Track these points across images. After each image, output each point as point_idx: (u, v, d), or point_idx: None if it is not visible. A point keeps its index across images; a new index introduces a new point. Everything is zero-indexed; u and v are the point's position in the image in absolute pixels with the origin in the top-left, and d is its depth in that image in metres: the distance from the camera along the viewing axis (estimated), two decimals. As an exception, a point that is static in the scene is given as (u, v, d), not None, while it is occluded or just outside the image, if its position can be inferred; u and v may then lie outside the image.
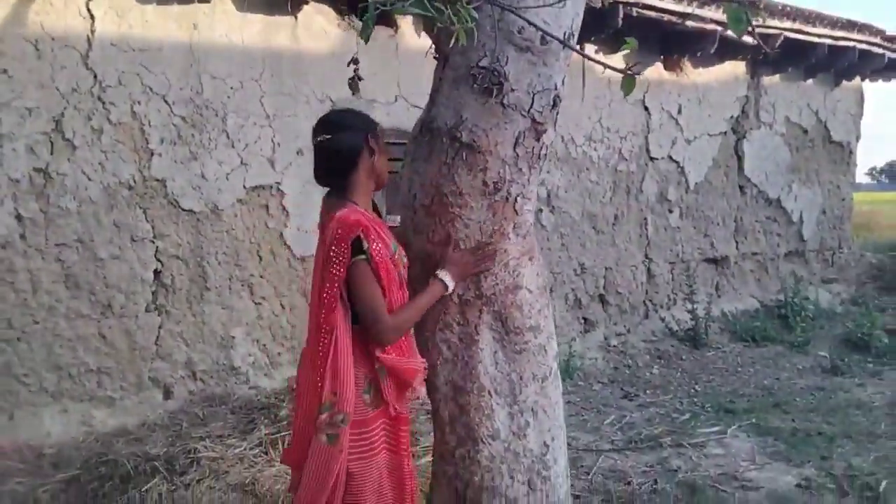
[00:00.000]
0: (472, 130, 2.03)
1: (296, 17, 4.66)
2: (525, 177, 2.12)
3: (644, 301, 6.70)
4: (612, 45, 6.19)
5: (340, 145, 2.04)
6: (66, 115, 3.94)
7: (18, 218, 3.84)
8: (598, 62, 2.00)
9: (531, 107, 2.02)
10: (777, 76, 7.62)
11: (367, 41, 1.70)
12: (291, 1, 4.47)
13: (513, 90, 1.99)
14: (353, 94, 2.17)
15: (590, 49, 6.10)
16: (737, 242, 7.47)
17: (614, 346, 6.28)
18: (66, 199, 3.96)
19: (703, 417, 4.80)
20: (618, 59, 6.30)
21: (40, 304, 3.92)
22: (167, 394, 4.36)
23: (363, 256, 1.97)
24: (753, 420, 4.70)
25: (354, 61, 2.16)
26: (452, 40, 1.71)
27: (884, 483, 3.68)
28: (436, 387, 2.31)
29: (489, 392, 2.24)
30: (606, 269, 6.40)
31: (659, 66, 6.69)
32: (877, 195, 46.15)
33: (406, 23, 5.18)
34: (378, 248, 1.99)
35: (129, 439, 3.85)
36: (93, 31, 4.02)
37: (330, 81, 4.82)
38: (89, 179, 4.03)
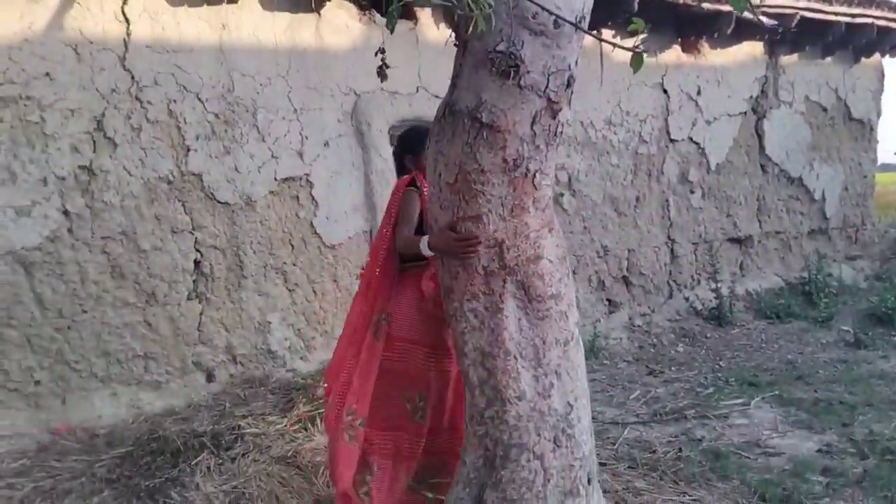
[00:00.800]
0: (491, 111, 2.18)
1: (319, 14, 4.83)
2: (542, 153, 2.26)
3: (668, 281, 6.80)
4: (625, 29, 6.27)
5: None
6: (106, 114, 4.15)
7: (65, 213, 4.06)
8: (609, 42, 2.13)
9: (546, 87, 2.17)
10: (795, 55, 7.64)
11: (392, 31, 1.87)
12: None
13: (529, 72, 2.14)
14: (382, 81, 2.33)
15: (607, 34, 6.20)
16: (760, 221, 7.53)
17: (639, 325, 6.40)
18: (110, 194, 4.18)
19: (727, 391, 4.91)
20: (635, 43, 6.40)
21: (88, 294, 4.15)
22: (210, 377, 4.58)
23: (415, 189, 2.85)
24: (777, 392, 4.81)
25: (381, 51, 2.32)
26: (471, 27, 1.86)
27: (904, 447, 3.78)
28: (465, 353, 2.48)
29: (515, 356, 2.40)
30: (629, 250, 6.51)
31: (677, 48, 6.77)
32: (907, 174, 45.40)
33: (426, 15, 5.33)
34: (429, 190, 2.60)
35: (176, 419, 4.07)
36: (128, 34, 4.23)
37: (353, 75, 4.99)
38: (130, 175, 4.24)
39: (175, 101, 4.37)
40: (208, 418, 4.10)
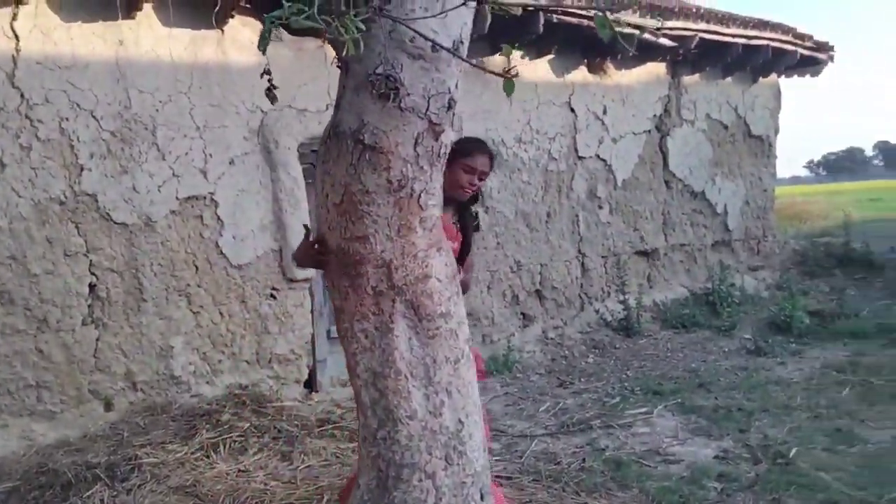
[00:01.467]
0: (373, 133, 2.19)
1: (222, 31, 4.76)
2: (427, 174, 2.29)
3: (579, 294, 6.96)
4: (535, 50, 6.45)
5: None
6: (-8, 133, 3.97)
7: (-53, 237, 3.86)
8: (481, 68, 2.18)
9: (427, 109, 2.19)
10: (696, 75, 8.00)
11: (264, 52, 1.86)
12: (217, 15, 4.57)
13: (409, 94, 2.16)
14: (272, 103, 2.31)
15: (515, 55, 6.33)
16: (665, 235, 7.81)
17: (551, 338, 6.52)
18: (-4, 217, 3.99)
19: (632, 400, 5.05)
20: (543, 64, 6.58)
21: (-27, 321, 3.94)
22: (108, 405, 4.40)
23: None
24: (679, 400, 4.98)
25: (267, 72, 2.30)
26: (350, 49, 1.87)
27: (794, 450, 3.97)
28: (356, 374, 2.46)
29: (406, 375, 2.40)
30: (542, 265, 6.63)
31: (583, 69, 6.98)
32: (816, 187, 48.05)
33: (333, 33, 5.32)
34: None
35: (69, 450, 3.90)
36: (18, 51, 4.07)
37: (259, 92, 4.91)
38: (19, 196, 4.06)
39: (68, 119, 4.21)
40: (104, 449, 3.95)
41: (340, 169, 2.29)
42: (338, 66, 2.30)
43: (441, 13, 2.03)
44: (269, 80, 2.28)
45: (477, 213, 3.22)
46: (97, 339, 4.35)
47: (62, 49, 4.21)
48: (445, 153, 2.33)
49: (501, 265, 6.32)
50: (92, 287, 4.33)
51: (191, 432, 4.12)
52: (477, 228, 3.22)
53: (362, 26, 1.81)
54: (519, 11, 5.64)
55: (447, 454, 2.41)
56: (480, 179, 2.90)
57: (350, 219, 2.32)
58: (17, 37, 4.07)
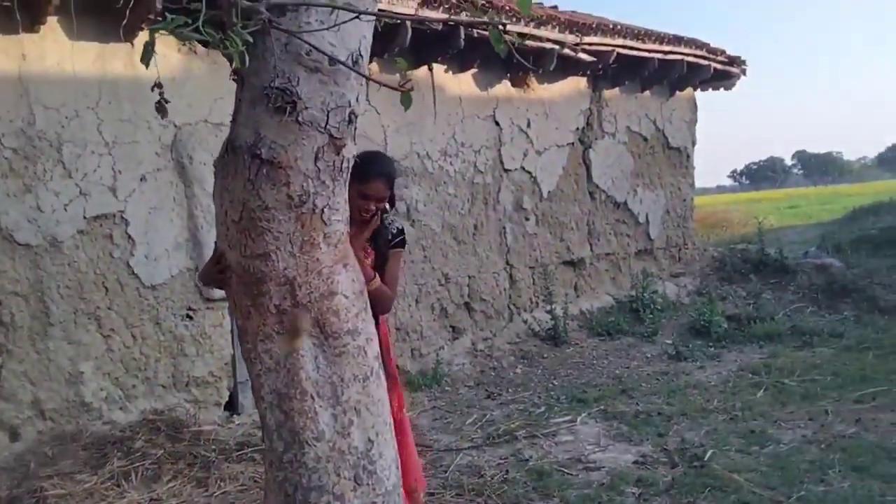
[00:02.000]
0: (271, 147, 2.15)
1: (132, 44, 4.62)
2: (329, 189, 2.25)
3: (508, 305, 7.01)
4: (459, 64, 6.50)
5: None
6: None
7: None
8: (376, 81, 2.17)
9: (327, 123, 2.16)
10: (616, 89, 8.19)
11: (147, 66, 1.80)
12: (125, 28, 4.43)
13: (307, 108, 2.12)
14: (162, 117, 2.23)
15: (438, 68, 6.37)
16: (591, 245, 7.95)
17: (481, 350, 6.53)
18: None
19: (557, 409, 5.10)
20: (466, 79, 6.63)
21: None
22: (14, 435, 4.18)
23: None
24: (602, 407, 5.05)
25: (158, 85, 2.23)
26: (236, 62, 1.83)
27: (709, 453, 4.07)
28: (261, 396, 2.39)
29: (312, 396, 2.35)
30: (470, 277, 6.65)
31: (507, 83, 7.06)
32: (738, 196, 49.94)
33: (250, 47, 5.23)
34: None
35: (-33, 486, 3.68)
36: None
37: (172, 107, 4.75)
38: None
39: (-36, 136, 4.01)
40: (6, 482, 3.74)
41: (238, 185, 2.23)
42: (233, 80, 2.25)
43: (334, 26, 2.01)
44: (161, 94, 2.20)
45: (401, 228, 3.13)
46: (1, 367, 4.13)
47: (-43, 63, 4.01)
48: (348, 167, 2.30)
49: (429, 278, 6.31)
50: (-7, 312, 4.11)
51: (101, 461, 3.95)
52: (402, 244, 3.16)
53: (249, 38, 1.77)
54: (439, 26, 5.69)
55: (356, 474, 2.36)
56: (378, 202, 2.86)
57: (250, 236, 2.26)
58: None
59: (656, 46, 7.87)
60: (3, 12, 4.01)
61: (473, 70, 6.59)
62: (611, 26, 7.27)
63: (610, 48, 7.24)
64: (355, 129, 2.28)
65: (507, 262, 7.01)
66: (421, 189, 6.24)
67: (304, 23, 2.08)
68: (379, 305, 2.99)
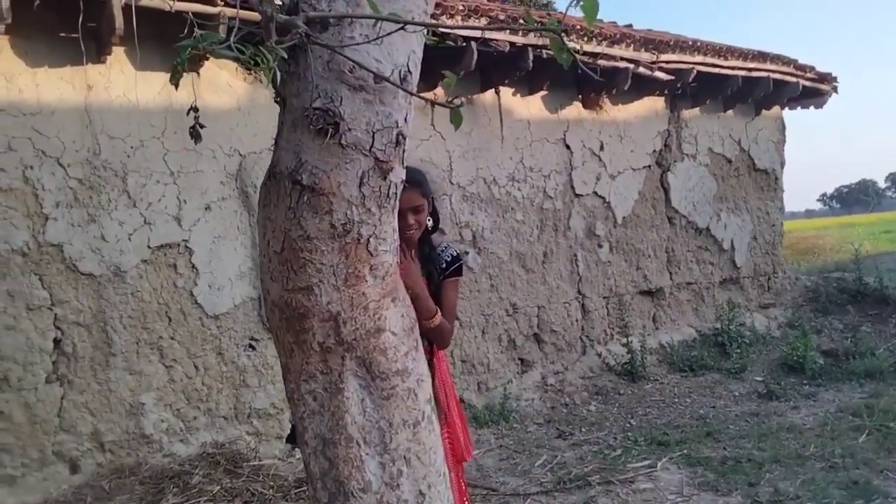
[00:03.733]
0: (312, 173, 1.98)
1: (198, 73, 4.62)
2: (375, 217, 2.06)
3: (580, 337, 6.68)
4: (527, 87, 6.29)
5: None
6: (-50, 183, 3.81)
7: None
8: (425, 99, 1.97)
9: (372, 146, 1.98)
10: (697, 109, 7.81)
11: (177, 87, 1.66)
12: (192, 57, 4.41)
13: (350, 130, 1.94)
14: (196, 143, 2.09)
15: (506, 91, 6.18)
16: (670, 273, 7.53)
17: (552, 385, 6.21)
18: (-47, 270, 3.80)
19: (634, 452, 4.73)
20: (535, 101, 6.41)
21: (-74, 382, 3.72)
22: (74, 468, 4.15)
23: None
24: (685, 451, 4.66)
25: (194, 109, 2.10)
26: (272, 81, 1.68)
27: (807, 506, 3.64)
28: (305, 441, 2.21)
29: (357, 442, 2.14)
30: (539, 307, 6.37)
31: (578, 104, 6.80)
32: (828, 220, 47.57)
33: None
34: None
35: (23, 520, 3.64)
36: (-21, 97, 3.93)
37: (237, 135, 4.77)
38: (-22, 248, 3.88)
39: (32, 166, 4.05)
40: (64, 517, 3.68)
41: (280, 213, 2.07)
42: (276, 102, 2.10)
43: (377, 38, 1.83)
44: (196, 118, 2.07)
45: (457, 255, 2.94)
46: (62, 398, 4.11)
47: (27, 95, 4.07)
48: (396, 193, 2.11)
49: (496, 308, 6.06)
50: (57, 342, 4.11)
51: (157, 497, 3.86)
52: (459, 272, 2.95)
53: (283, 54, 1.61)
54: (506, 48, 5.50)
55: (406, 532, 2.14)
56: (417, 214, 2.66)
57: (292, 268, 2.09)
58: (-22, 83, 3.94)
59: (739, 63, 7.46)
60: (70, 43, 4.05)
61: (543, 92, 6.37)
62: (689, 43, 6.93)
63: (689, 66, 6.89)
64: (404, 151, 2.09)
65: (580, 292, 6.68)
66: (487, 216, 6.03)
67: (348, 38, 1.91)
68: (439, 341, 2.79)
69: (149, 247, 4.41)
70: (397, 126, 2.02)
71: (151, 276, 4.42)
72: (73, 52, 4.13)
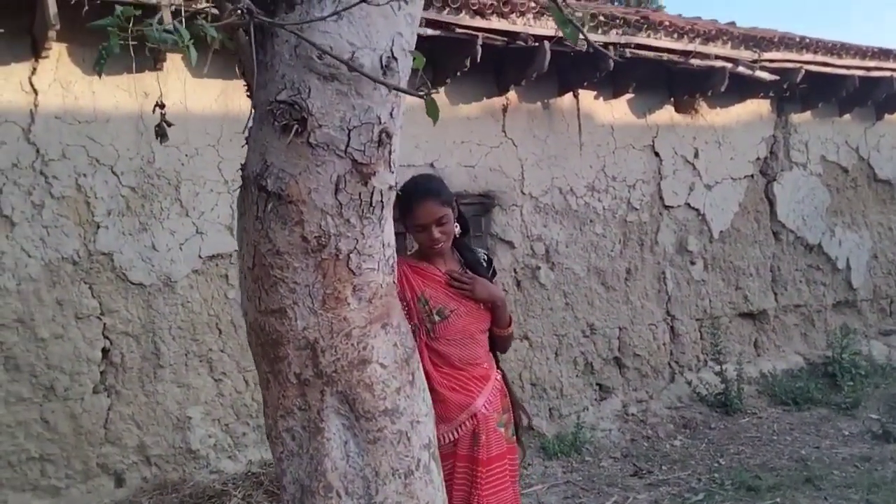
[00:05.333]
0: (279, 177, 1.70)
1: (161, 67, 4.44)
2: (356, 229, 1.76)
3: (668, 363, 6.10)
4: (611, 89, 5.84)
5: None
6: (4, 191, 3.82)
7: (-48, 299, 3.70)
8: (399, 89, 1.63)
9: (348, 145, 1.68)
10: (807, 113, 7.05)
11: (100, 76, 1.42)
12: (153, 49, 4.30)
13: (320, 126, 1.65)
14: (161, 142, 1.87)
15: (586, 94, 5.75)
16: (775, 294, 6.80)
17: (633, 414, 5.69)
18: (5, 278, 3.81)
19: (718, 497, 4.18)
20: (620, 104, 5.95)
21: (-24, 388, 3.74)
22: (119, 481, 4.07)
23: None
24: (777, 499, 4.06)
25: (160, 105, 1.88)
26: (241, 71, 1.40)
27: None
28: (283, 486, 1.93)
29: (338, 492, 1.84)
30: (620, 328, 5.86)
31: (669, 107, 6.26)
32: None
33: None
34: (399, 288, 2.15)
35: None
36: (36, 105, 3.94)
37: (294, 143, 4.60)
38: (29, 256, 3.88)
39: (85, 174, 4.03)
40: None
41: (249, 224, 1.81)
42: (248, 97, 1.84)
43: (334, 14, 1.52)
44: (163, 115, 1.85)
45: (490, 259, 2.72)
46: (108, 409, 4.05)
47: (83, 103, 4.05)
48: (383, 202, 1.79)
49: (571, 328, 5.61)
50: (105, 352, 4.06)
51: (195, 517, 3.70)
52: (494, 274, 2.66)
53: (215, 34, 1.34)
54: (584, 47, 5.09)
55: None
56: (442, 226, 2.34)
57: (263, 287, 1.82)
58: (35, 91, 3.95)
59: (856, 62, 6.67)
60: (125, 51, 4.00)
61: (628, 95, 5.89)
62: (797, 40, 6.24)
63: (797, 65, 6.21)
64: (391, 152, 1.77)
65: (668, 313, 6.12)
66: (563, 228, 5.60)
67: (317, 17, 1.62)
68: (505, 348, 2.65)
69: (200, 257, 4.31)
70: (380, 122, 1.71)
71: (202, 287, 4.31)
72: (130, 60, 4.06)
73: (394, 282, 1.95)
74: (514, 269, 5.40)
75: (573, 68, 5.44)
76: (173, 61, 4.26)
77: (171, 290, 4.22)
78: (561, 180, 5.61)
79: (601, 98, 5.85)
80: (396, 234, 1.97)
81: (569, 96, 5.65)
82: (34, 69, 3.96)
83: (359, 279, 1.81)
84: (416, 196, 2.33)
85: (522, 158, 5.44)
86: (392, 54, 1.69)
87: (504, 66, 5.27)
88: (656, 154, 6.12)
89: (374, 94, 1.68)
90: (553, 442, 5.11)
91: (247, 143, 1.83)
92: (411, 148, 4.99)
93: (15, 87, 3.91)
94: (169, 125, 1.86)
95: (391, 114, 1.74)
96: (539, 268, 5.47)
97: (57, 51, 3.99)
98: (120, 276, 4.09)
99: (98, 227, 4.05)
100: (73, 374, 3.96)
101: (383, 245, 1.85)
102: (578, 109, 5.70)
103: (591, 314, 5.72)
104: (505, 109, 5.44)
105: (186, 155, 4.31)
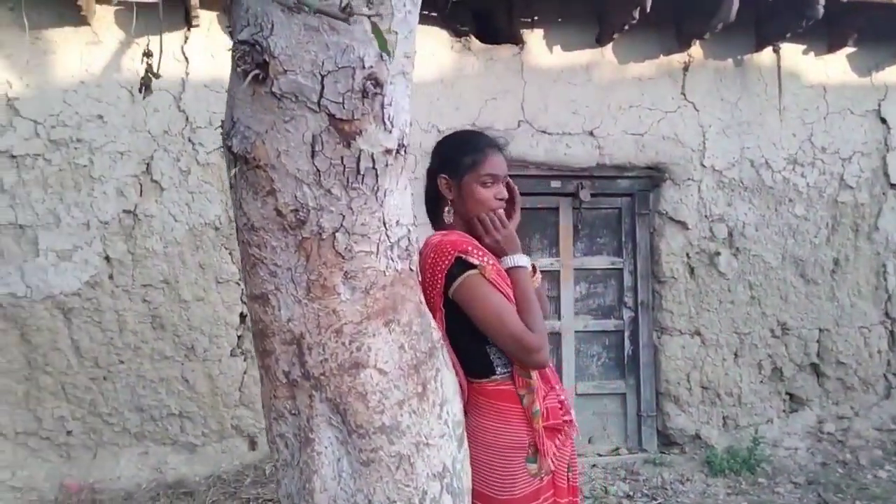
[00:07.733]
0: (245, 136, 1.41)
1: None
2: (341, 203, 1.42)
3: (884, 375, 5.02)
4: (824, 42, 4.84)
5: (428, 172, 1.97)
6: (155, 157, 3.98)
7: (107, 259, 3.93)
8: (331, 14, 1.22)
9: (321, 96, 1.33)
10: None
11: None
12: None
13: (285, 71, 1.33)
14: (144, 96, 1.66)
15: (790, 49, 4.80)
16: None
17: (830, 433, 4.75)
18: (153, 240, 3.98)
19: (924, 557, 3.29)
20: (835, 61, 4.93)
21: (126, 344, 3.96)
22: (252, 443, 4.15)
23: (474, 270, 1.74)
24: None
25: (147, 54, 1.67)
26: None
27: None
28: (279, 498, 1.68)
29: (326, 519, 1.54)
30: (821, 330, 4.90)
31: (904, 64, 5.07)
32: None
33: (535, 37, 4.51)
34: (492, 263, 1.79)
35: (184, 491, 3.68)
36: (187, 74, 4.05)
37: (437, 109, 4.33)
38: (175, 220, 4.02)
39: (228, 142, 4.07)
40: (220, 493, 3.65)
41: (233, 195, 1.54)
42: (229, 51, 1.56)
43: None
44: (149, 66, 1.63)
45: None
46: (244, 372, 4.12)
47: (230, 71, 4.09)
48: (375, 168, 1.43)
49: (756, 326, 4.78)
50: (243, 317, 4.12)
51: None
52: None
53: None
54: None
55: None
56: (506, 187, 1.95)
57: (246, 268, 1.56)
58: (187, 60, 4.05)
59: None
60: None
61: (848, 48, 4.83)
62: None
63: None
64: (382, 105, 1.40)
65: (887, 315, 5.01)
66: (753, 208, 4.76)
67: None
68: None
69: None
70: (363, 66, 1.35)
71: (336, 258, 4.22)
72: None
73: (410, 269, 1.59)
74: (687, 254, 4.69)
75: (772, 17, 4.56)
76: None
77: (306, 260, 4.17)
78: (753, 151, 4.76)
79: (811, 52, 4.86)
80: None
81: (768, 51, 4.75)
82: (186, 38, 4.05)
83: (350, 264, 1.47)
84: (485, 144, 1.93)
85: (705, 125, 4.68)
86: (377, -23, 1.31)
87: (683, 18, 4.55)
88: (883, 121, 4.98)
89: (354, 29, 1.32)
90: (722, 456, 4.40)
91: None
92: (569, 114, 4.51)
93: (168, 56, 4.02)
94: (156, 76, 1.63)
95: (382, 56, 1.36)
96: (719, 253, 4.71)
97: (207, 19, 4.06)
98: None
99: (238, 193, 4.09)
100: (212, 336, 4.07)
101: (384, 224, 1.49)
102: (779, 66, 4.78)
103: (785, 311, 4.83)
104: (686, 68, 4.71)
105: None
